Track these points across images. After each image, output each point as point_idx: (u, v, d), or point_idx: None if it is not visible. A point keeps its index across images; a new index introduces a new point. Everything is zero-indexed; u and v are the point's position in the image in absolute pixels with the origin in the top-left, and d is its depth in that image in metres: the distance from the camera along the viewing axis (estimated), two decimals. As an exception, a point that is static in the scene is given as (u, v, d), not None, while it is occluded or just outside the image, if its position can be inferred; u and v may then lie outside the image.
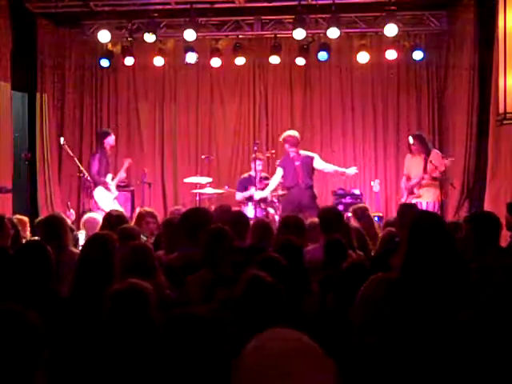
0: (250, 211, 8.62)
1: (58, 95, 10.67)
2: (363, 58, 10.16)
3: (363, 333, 2.68)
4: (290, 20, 9.71)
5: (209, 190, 9.38)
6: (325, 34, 9.38)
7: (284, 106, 11.04)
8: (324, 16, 9.58)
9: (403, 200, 8.73)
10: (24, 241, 5.41)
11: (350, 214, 6.60)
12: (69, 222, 6.00)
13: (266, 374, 1.70)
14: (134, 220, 6.44)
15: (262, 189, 8.82)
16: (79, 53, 10.83)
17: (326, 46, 9.92)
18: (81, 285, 3.67)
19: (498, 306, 2.75)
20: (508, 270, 3.09)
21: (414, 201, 8.45)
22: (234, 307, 2.77)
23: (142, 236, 5.21)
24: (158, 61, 10.44)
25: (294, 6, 9.22)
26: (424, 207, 8.40)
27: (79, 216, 9.22)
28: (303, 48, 10.18)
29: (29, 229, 6.20)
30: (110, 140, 9.46)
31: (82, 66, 10.91)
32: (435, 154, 8.73)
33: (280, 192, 8.97)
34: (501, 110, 7.80)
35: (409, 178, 8.82)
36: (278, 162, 8.97)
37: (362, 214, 6.09)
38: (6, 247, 4.75)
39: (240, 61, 10.50)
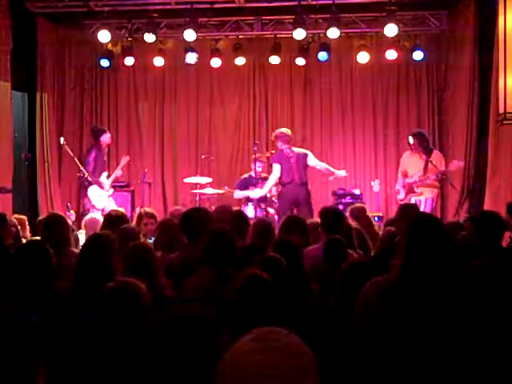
0: (250, 211, 8.63)
1: (58, 95, 10.66)
2: (363, 58, 10.17)
3: (364, 333, 2.68)
4: (290, 20, 9.71)
5: (209, 190, 9.38)
6: (325, 34, 9.38)
7: (284, 106, 11.05)
8: (324, 16, 9.58)
9: (402, 197, 8.72)
10: (24, 240, 5.42)
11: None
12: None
13: None
14: (134, 220, 6.45)
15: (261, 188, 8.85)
16: (79, 53, 10.83)
17: (326, 46, 9.92)
18: (80, 284, 3.68)
19: (499, 307, 2.75)
20: (508, 271, 3.09)
21: (413, 199, 8.47)
22: (231, 305, 2.78)
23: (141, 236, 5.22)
24: (158, 61, 10.45)
25: (294, 6, 9.22)
26: (422, 204, 8.42)
27: (79, 216, 9.24)
28: (303, 48, 10.19)
29: (28, 228, 6.21)
30: (106, 137, 9.45)
31: (82, 66, 10.91)
32: (436, 154, 8.73)
33: (274, 191, 8.99)
34: (501, 110, 7.79)
35: (405, 175, 8.79)
36: (270, 159, 8.97)
37: (359, 214, 6.09)
38: (9, 246, 4.77)
39: (240, 61, 10.51)
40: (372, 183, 9.78)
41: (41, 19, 10.11)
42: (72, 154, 9.17)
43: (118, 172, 9.38)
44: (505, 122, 7.80)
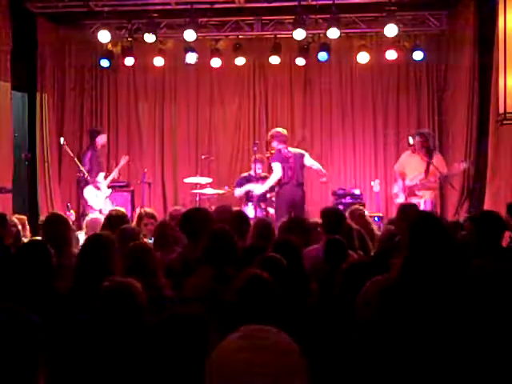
0: (250, 211, 8.62)
1: (58, 95, 10.66)
2: (363, 58, 10.17)
3: (364, 332, 2.69)
4: (290, 20, 9.71)
5: (209, 191, 9.38)
6: (325, 34, 9.38)
7: (284, 106, 11.05)
8: (324, 16, 9.58)
9: (402, 201, 8.57)
10: (25, 240, 5.42)
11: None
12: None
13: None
14: (134, 220, 6.45)
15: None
16: (79, 53, 10.82)
17: (326, 46, 9.92)
18: (80, 285, 3.68)
19: (499, 307, 2.75)
20: (508, 271, 3.09)
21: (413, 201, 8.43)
22: (231, 305, 2.78)
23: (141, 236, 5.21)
24: (158, 61, 10.45)
25: (294, 7, 9.21)
26: (422, 205, 8.39)
27: (79, 217, 9.24)
28: (303, 48, 10.19)
29: (28, 228, 6.21)
30: (102, 139, 9.46)
31: (82, 66, 10.91)
32: (437, 157, 8.70)
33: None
34: (501, 110, 7.79)
35: (402, 175, 8.71)
36: (270, 158, 8.94)
37: (355, 215, 6.08)
38: (9, 246, 4.77)
39: (240, 61, 10.51)
40: (372, 183, 9.78)
41: (41, 19, 10.11)
42: (72, 154, 9.17)
43: (115, 174, 9.38)
44: (505, 122, 7.80)
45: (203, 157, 10.17)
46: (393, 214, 8.60)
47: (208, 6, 9.51)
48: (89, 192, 9.06)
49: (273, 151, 9.12)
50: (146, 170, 9.87)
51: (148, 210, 6.57)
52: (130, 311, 2.82)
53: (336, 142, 10.94)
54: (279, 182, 8.57)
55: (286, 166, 8.48)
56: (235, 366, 1.78)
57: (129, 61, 10.35)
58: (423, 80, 10.69)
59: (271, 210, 8.93)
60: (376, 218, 8.80)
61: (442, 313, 2.61)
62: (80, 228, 7.33)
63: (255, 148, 9.18)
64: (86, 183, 9.02)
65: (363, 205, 8.60)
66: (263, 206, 8.92)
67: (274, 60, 10.35)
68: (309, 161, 8.68)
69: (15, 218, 5.75)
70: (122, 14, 9.87)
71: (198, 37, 9.54)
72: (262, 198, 8.90)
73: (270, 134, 8.79)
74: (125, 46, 10.33)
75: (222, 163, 10.94)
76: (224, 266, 3.86)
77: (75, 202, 10.26)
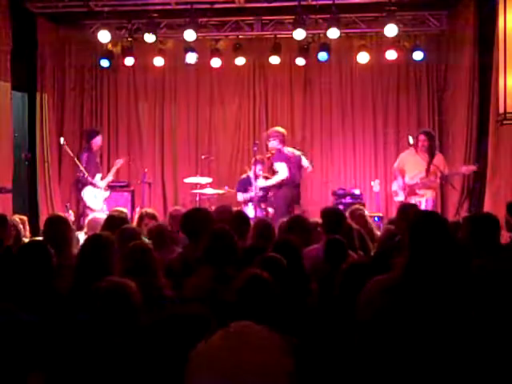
0: (250, 211, 8.61)
1: (58, 95, 10.66)
2: (363, 58, 10.17)
3: (365, 331, 2.69)
4: (290, 20, 9.71)
5: (209, 191, 9.38)
6: (325, 34, 9.38)
7: (284, 106, 11.04)
8: (324, 16, 9.58)
9: (401, 200, 8.58)
10: (25, 240, 5.42)
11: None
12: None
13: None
14: (135, 220, 6.45)
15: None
16: (79, 53, 10.82)
17: (326, 46, 9.92)
18: (79, 285, 3.68)
19: (498, 307, 2.75)
20: (508, 271, 3.09)
21: (413, 201, 8.42)
22: (231, 305, 2.78)
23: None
24: (158, 61, 10.45)
25: (294, 7, 9.21)
26: (423, 204, 8.39)
27: (78, 217, 9.24)
28: (303, 48, 10.19)
29: (28, 228, 6.21)
30: (98, 140, 9.45)
31: (82, 66, 10.91)
32: (439, 157, 8.70)
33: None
34: (501, 110, 7.79)
35: (402, 172, 8.70)
36: (272, 158, 8.90)
37: (355, 215, 6.08)
38: (10, 246, 4.77)
39: (240, 61, 10.51)
40: (372, 183, 9.77)
41: (41, 19, 10.11)
42: (72, 154, 9.17)
43: (109, 178, 9.37)
44: (505, 122, 7.80)
45: (203, 157, 10.17)
46: (393, 213, 8.60)
47: (208, 6, 9.51)
48: (88, 192, 9.05)
49: (273, 151, 9.12)
50: (146, 169, 9.87)
51: (149, 210, 6.56)
52: (124, 311, 2.82)
53: (336, 141, 10.94)
54: (282, 182, 8.57)
55: (288, 167, 8.49)
56: (219, 363, 1.78)
57: (129, 61, 10.36)
58: (423, 80, 10.69)
59: (271, 210, 8.92)
60: (376, 218, 8.80)
61: (442, 313, 2.62)
62: (79, 228, 7.34)
63: (255, 148, 9.16)
64: (85, 183, 9.02)
65: (363, 205, 8.57)
66: (263, 206, 8.91)
67: (274, 60, 10.35)
68: (305, 162, 8.74)
69: (17, 218, 5.76)
70: (122, 13, 9.87)
71: (198, 37, 9.54)
72: (262, 198, 8.90)
73: (268, 132, 8.77)
74: (125, 45, 10.33)
75: (222, 163, 10.93)
76: (224, 266, 3.86)
77: (75, 202, 10.25)
